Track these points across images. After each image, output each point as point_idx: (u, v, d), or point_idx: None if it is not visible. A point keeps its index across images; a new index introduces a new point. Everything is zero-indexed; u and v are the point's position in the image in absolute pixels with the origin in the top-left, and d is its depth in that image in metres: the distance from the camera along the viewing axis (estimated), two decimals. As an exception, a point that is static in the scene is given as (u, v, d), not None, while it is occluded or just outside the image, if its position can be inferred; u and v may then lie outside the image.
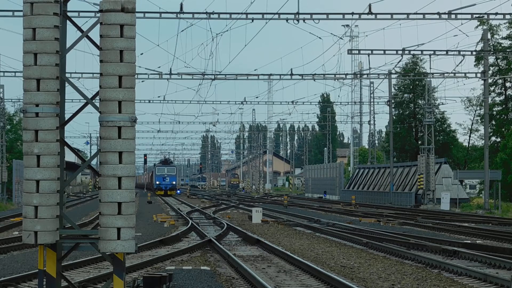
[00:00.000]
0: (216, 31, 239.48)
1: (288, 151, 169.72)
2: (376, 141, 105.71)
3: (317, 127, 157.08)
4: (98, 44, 8.34)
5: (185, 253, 22.34)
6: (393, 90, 77.82)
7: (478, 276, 16.81)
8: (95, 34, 8.59)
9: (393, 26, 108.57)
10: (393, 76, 72.84)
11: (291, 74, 54.61)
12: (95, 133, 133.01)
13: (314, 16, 40.97)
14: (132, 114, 8.22)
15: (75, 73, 54.19)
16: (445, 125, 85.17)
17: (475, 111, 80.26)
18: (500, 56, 69.32)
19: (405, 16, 41.90)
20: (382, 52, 49.85)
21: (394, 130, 75.51)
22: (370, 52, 50.38)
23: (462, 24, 62.88)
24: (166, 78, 54.47)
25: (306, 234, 30.79)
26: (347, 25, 78.06)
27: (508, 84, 73.28)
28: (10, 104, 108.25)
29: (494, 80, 71.21)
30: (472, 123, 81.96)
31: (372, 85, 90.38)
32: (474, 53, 54.76)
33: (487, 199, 52.74)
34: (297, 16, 40.61)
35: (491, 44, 64.56)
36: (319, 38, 50.45)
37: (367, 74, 70.94)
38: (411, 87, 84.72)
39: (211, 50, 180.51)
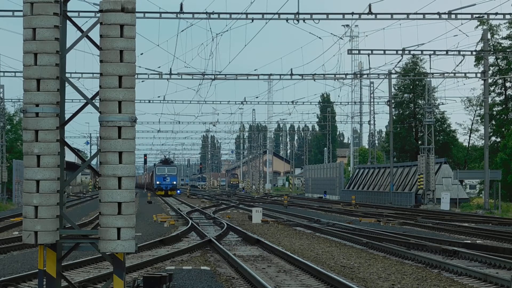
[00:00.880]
0: (216, 31, 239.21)
1: (288, 151, 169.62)
2: (376, 141, 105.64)
3: (317, 127, 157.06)
4: (98, 44, 8.34)
5: (185, 253, 22.33)
6: (393, 90, 77.81)
7: (478, 276, 16.80)
8: (95, 34, 8.61)
9: (393, 26, 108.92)
10: (393, 76, 72.81)
11: (291, 74, 54.60)
12: (95, 133, 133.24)
13: (314, 16, 40.97)
14: (132, 114, 8.23)
15: (75, 73, 54.26)
16: (445, 125, 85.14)
17: (475, 111, 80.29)
18: (500, 56, 69.30)
19: (405, 16, 41.92)
20: (382, 52, 49.86)
21: (394, 130, 75.48)
22: (370, 52, 50.40)
23: (462, 24, 62.85)
24: (166, 78, 54.50)
25: (306, 234, 30.78)
26: (347, 25, 78.27)
27: (508, 84, 73.25)
28: (10, 104, 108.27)
29: (494, 80, 71.17)
30: (472, 123, 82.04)
31: (372, 85, 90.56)
32: (474, 53, 54.76)
33: (487, 199, 52.74)
34: (297, 16, 40.61)
35: (491, 44, 64.57)
36: (319, 38, 50.32)
37: (367, 74, 70.94)
38: (411, 87, 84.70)
39: (211, 50, 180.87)
